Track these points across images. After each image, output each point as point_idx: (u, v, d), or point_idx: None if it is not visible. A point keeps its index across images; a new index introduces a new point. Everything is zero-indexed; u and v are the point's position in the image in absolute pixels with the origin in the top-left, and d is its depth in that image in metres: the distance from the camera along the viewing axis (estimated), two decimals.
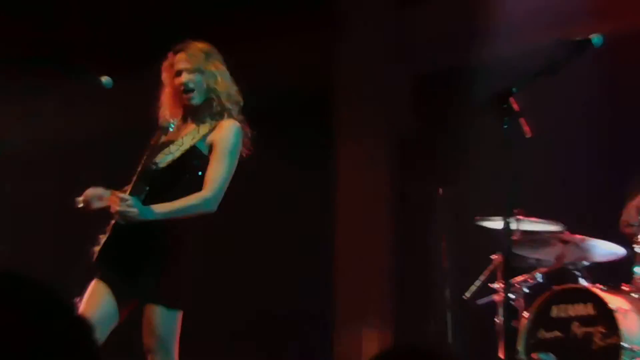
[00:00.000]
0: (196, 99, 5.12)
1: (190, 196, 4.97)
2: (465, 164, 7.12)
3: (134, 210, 4.82)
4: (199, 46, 5.22)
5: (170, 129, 5.06)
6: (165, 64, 5.23)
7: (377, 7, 8.09)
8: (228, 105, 5.15)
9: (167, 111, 5.25)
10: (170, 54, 5.22)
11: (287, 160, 7.62)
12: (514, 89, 5.22)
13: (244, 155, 5.13)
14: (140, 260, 4.97)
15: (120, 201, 4.83)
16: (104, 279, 5.00)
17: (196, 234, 5.13)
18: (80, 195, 5.17)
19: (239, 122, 5.14)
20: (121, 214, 4.84)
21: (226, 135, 5.09)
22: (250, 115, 5.29)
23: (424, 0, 7.77)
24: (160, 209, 4.90)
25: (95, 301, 4.97)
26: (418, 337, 7.25)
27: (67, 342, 1.27)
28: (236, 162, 5.10)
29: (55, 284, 1.32)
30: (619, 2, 7.07)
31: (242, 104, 5.23)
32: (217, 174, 5.03)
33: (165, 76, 5.23)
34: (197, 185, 5.03)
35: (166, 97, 5.25)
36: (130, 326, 5.02)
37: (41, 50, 8.14)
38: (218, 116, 5.12)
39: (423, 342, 7.36)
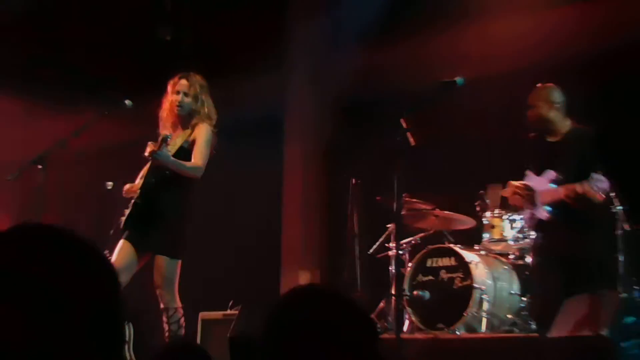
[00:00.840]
0: (182, 112, 5.32)
1: (188, 162, 5.16)
2: (371, 163, 7.11)
3: (159, 153, 5.03)
4: (197, 78, 5.38)
5: (169, 138, 5.14)
6: (171, 82, 5.38)
7: (315, 54, 8.10)
8: (205, 119, 5.32)
9: (165, 113, 5.39)
10: (177, 76, 5.38)
11: (250, 161, 7.56)
12: (404, 113, 5.39)
13: (211, 153, 5.26)
14: (152, 226, 5.13)
15: (152, 147, 5.05)
16: (128, 239, 5.18)
17: (188, 208, 5.26)
18: (109, 182, 5.43)
19: (214, 133, 5.30)
20: (152, 154, 5.04)
21: (202, 132, 5.25)
22: (227, 130, 5.43)
23: (348, 53, 7.74)
24: (173, 159, 5.08)
25: (122, 254, 5.13)
26: (337, 279, 7.29)
27: (97, 279, 1.28)
28: (210, 150, 5.24)
29: (94, 241, 1.33)
30: (479, 52, 7.10)
31: (216, 121, 5.37)
32: (200, 155, 5.19)
33: (169, 90, 5.38)
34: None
35: (165, 104, 5.40)
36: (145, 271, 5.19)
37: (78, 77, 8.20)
38: (198, 124, 5.30)
39: (335, 283, 7.43)
